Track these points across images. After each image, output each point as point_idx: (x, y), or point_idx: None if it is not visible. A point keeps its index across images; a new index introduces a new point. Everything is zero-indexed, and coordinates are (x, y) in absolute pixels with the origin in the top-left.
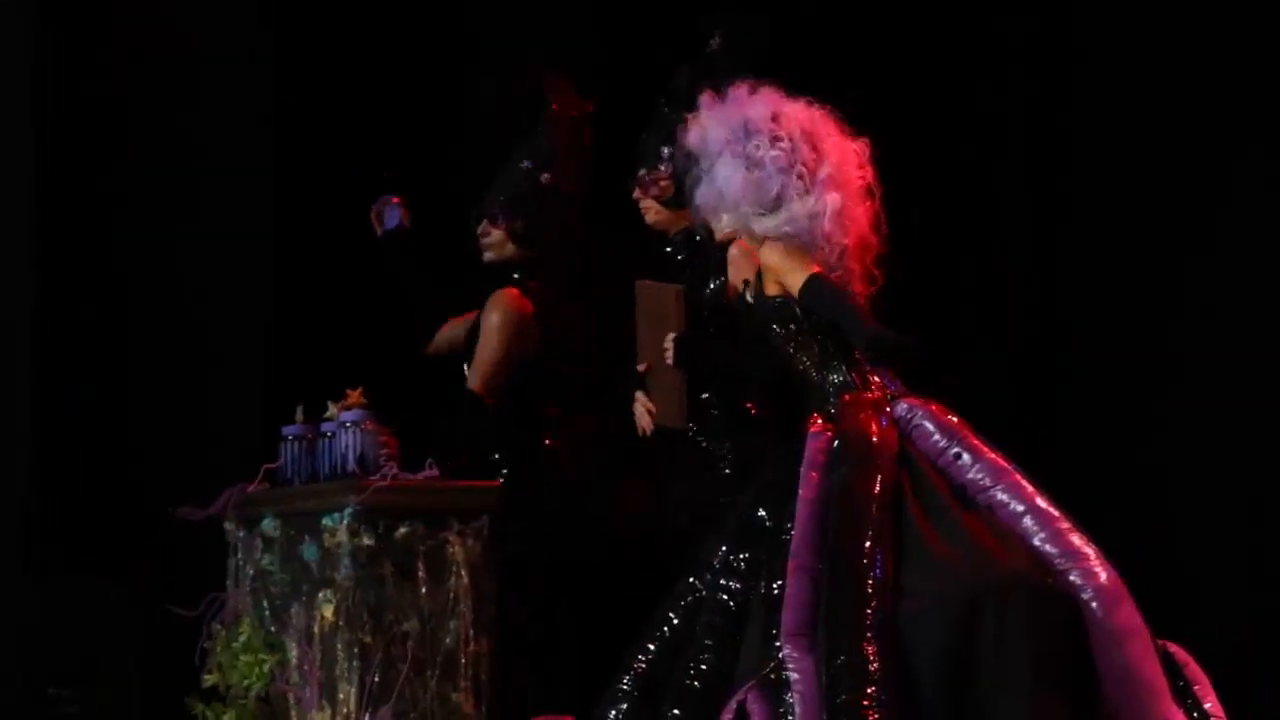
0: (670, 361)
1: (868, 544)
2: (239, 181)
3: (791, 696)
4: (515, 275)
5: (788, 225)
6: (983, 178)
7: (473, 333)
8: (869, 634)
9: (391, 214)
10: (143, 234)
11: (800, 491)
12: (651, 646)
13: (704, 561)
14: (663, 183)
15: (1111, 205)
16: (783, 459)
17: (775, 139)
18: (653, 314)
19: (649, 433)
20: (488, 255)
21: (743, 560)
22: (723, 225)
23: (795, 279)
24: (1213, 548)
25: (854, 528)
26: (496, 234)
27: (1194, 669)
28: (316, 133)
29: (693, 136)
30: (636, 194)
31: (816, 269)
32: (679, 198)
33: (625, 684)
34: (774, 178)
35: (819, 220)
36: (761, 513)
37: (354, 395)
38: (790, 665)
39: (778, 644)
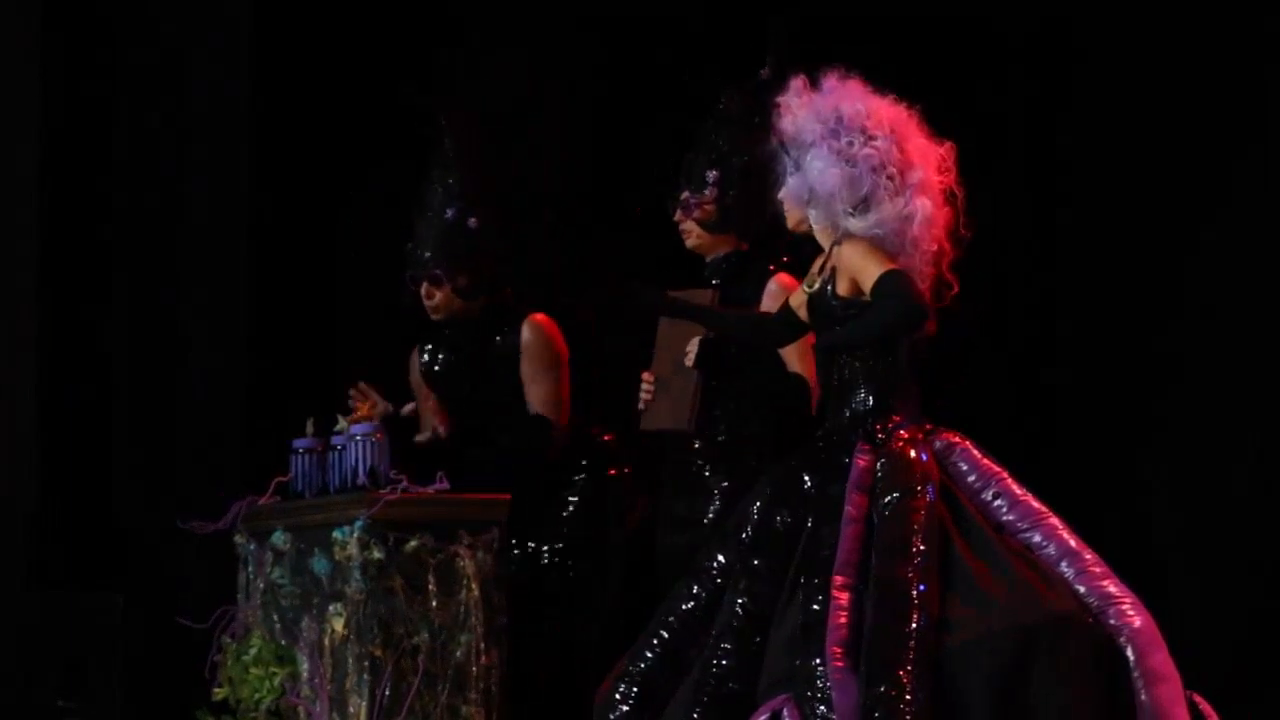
0: (690, 363)
1: (914, 574)
2: (239, 184)
3: (830, 714)
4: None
5: (878, 227)
6: (983, 178)
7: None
8: (911, 665)
9: None
10: (143, 236)
11: (847, 509)
12: (649, 654)
13: (705, 566)
14: (706, 206)
15: (1111, 205)
16: (793, 468)
17: (869, 136)
18: (676, 324)
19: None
20: (435, 317)
21: (764, 565)
22: (810, 220)
23: (871, 273)
24: (1213, 547)
25: (902, 556)
26: (440, 295)
27: None
28: (314, 134)
29: (785, 124)
30: (678, 216)
31: (894, 266)
32: (721, 222)
33: (622, 690)
34: (865, 176)
35: (909, 224)
36: (779, 519)
37: (364, 408)
38: (832, 684)
39: (816, 660)
